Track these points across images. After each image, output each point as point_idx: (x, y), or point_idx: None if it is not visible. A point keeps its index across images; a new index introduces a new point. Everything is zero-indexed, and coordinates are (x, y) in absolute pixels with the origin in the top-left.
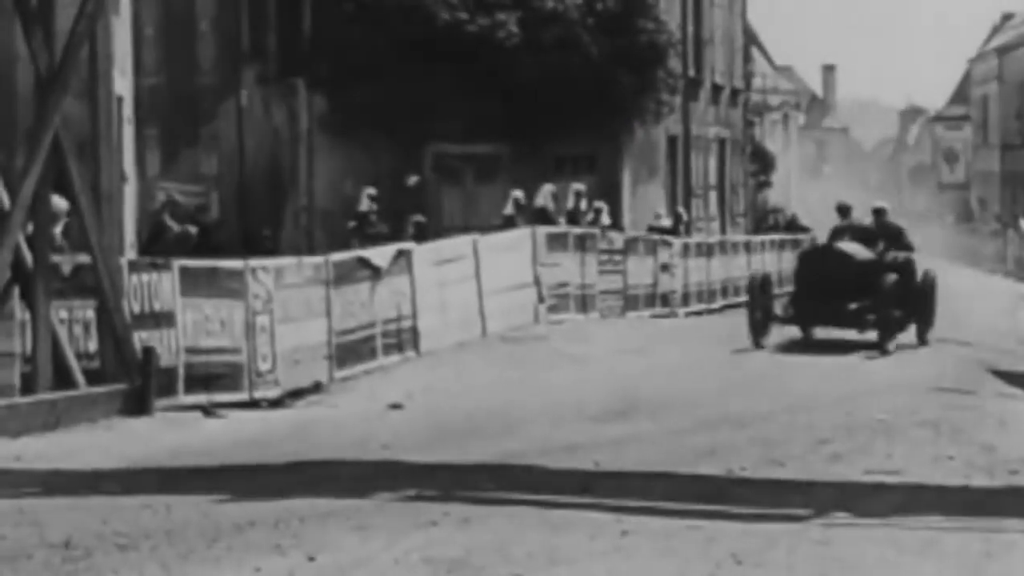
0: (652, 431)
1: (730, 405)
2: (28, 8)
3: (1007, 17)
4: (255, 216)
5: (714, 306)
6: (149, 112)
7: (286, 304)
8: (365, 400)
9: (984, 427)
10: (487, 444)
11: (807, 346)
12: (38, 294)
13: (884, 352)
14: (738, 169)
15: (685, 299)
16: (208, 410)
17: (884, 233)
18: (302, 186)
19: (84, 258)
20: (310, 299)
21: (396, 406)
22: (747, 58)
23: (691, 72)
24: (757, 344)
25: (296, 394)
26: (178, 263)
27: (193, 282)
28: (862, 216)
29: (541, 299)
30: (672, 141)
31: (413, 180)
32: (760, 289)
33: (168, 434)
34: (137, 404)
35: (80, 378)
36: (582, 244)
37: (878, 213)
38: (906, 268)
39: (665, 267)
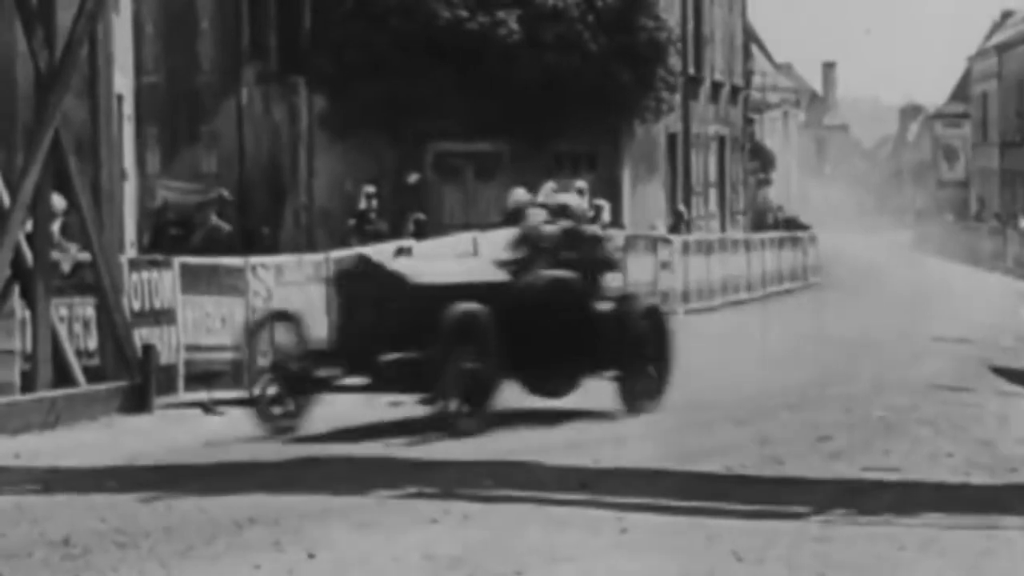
0: (651, 429)
1: (729, 402)
2: (28, 6)
3: (1007, 15)
4: (255, 214)
5: (714, 304)
6: (149, 110)
7: (286, 301)
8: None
9: (983, 424)
10: (485, 443)
11: None
12: (38, 292)
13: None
14: (738, 167)
15: (685, 297)
16: (208, 407)
17: (571, 240)
18: (302, 184)
19: (84, 255)
20: (310, 296)
21: (395, 403)
22: (747, 56)
23: (691, 70)
24: None
25: None
26: (178, 260)
27: (193, 279)
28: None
29: None
30: (672, 139)
31: (413, 178)
32: (459, 333)
33: (168, 432)
34: (137, 402)
35: (80, 376)
36: None
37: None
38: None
39: (665, 265)
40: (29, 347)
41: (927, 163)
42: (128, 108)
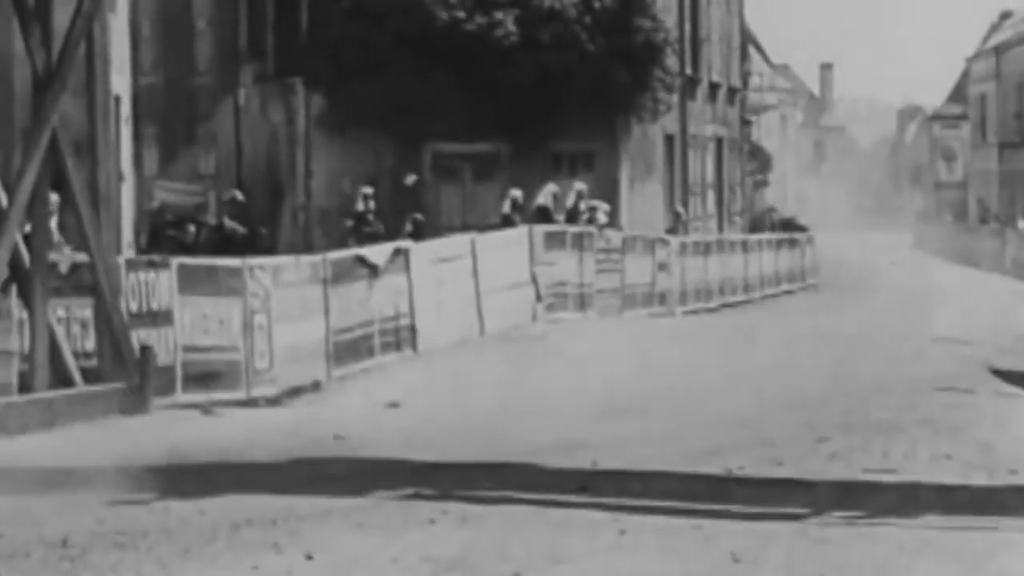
0: (650, 430)
1: (729, 404)
2: (25, 7)
3: (1005, 16)
4: (253, 215)
5: (711, 305)
6: (146, 111)
7: (284, 302)
8: (363, 399)
9: (983, 426)
10: (484, 442)
11: None
12: (36, 293)
13: None
14: (735, 168)
15: (683, 298)
16: (206, 408)
17: None
18: (300, 185)
19: (81, 256)
20: (308, 297)
21: (394, 405)
22: (744, 56)
23: (688, 70)
24: None
25: (294, 392)
26: (176, 261)
27: (191, 280)
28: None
29: (539, 298)
30: (669, 139)
31: (411, 179)
32: None
33: (166, 432)
34: (135, 403)
35: (78, 377)
36: (580, 243)
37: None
38: None
39: (663, 266)
40: (27, 348)
41: (925, 164)
42: (125, 109)
